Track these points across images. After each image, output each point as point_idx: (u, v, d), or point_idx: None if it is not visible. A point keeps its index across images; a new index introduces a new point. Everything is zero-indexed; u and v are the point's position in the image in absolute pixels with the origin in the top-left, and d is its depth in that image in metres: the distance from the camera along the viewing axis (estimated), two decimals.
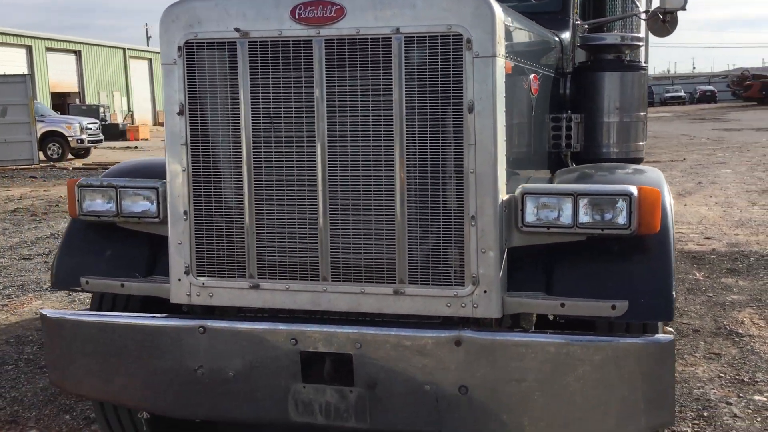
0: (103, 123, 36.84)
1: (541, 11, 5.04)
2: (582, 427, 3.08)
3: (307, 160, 3.22)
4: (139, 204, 3.53)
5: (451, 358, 3.12)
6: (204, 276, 3.39)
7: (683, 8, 5.27)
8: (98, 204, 3.59)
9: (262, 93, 3.22)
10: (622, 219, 3.08)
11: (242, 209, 3.30)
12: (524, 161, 3.87)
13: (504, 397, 3.11)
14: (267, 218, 3.29)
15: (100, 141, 30.46)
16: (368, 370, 3.20)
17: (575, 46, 5.18)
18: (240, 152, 3.27)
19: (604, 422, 3.06)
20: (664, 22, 5.36)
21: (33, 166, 24.94)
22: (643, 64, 4.96)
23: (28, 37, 49.57)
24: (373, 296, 3.24)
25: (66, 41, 54.69)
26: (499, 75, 3.10)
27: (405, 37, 3.07)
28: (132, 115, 56.90)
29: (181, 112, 3.31)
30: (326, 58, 3.14)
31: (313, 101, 3.17)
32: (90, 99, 53.27)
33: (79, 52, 55.27)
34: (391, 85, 3.10)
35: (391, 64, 3.09)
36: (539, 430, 3.11)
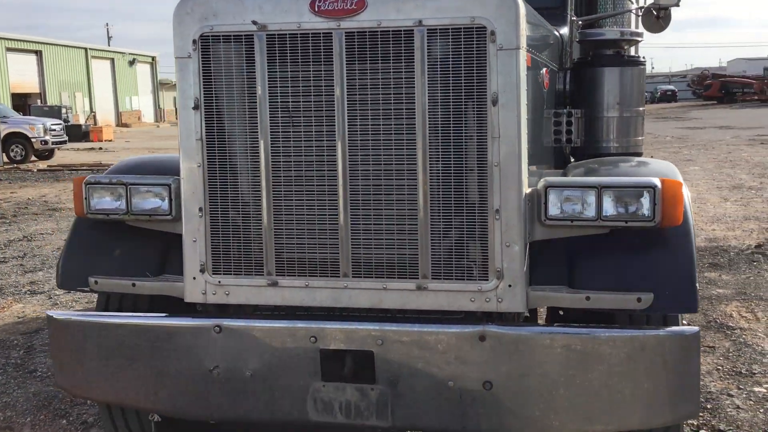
0: (66, 124, 36.21)
1: (541, 6, 5.03)
2: (607, 420, 3.07)
3: (327, 155, 3.17)
4: (150, 201, 3.45)
5: (476, 353, 3.09)
6: (220, 274, 3.32)
7: (677, 5, 5.32)
8: (107, 202, 3.49)
9: (280, 87, 3.17)
10: (646, 211, 3.07)
11: (260, 205, 3.24)
12: (537, 156, 3.86)
13: (529, 392, 3.09)
14: (285, 214, 3.24)
15: (64, 142, 29.96)
16: (390, 367, 3.16)
17: (573, 41, 5.20)
18: (257, 147, 3.21)
19: (630, 416, 3.06)
20: (658, 18, 5.41)
21: None
22: (642, 60, 4.98)
23: None
24: (395, 292, 3.20)
25: (26, 41, 53.75)
26: (522, 67, 3.08)
27: (428, 30, 3.04)
28: (94, 116, 56.10)
29: (196, 107, 3.24)
30: (347, 52, 3.09)
31: (333, 95, 3.12)
32: (51, 100, 52.41)
33: (40, 52, 54.36)
34: (413, 78, 3.06)
35: (413, 57, 3.05)
36: (564, 424, 3.10)
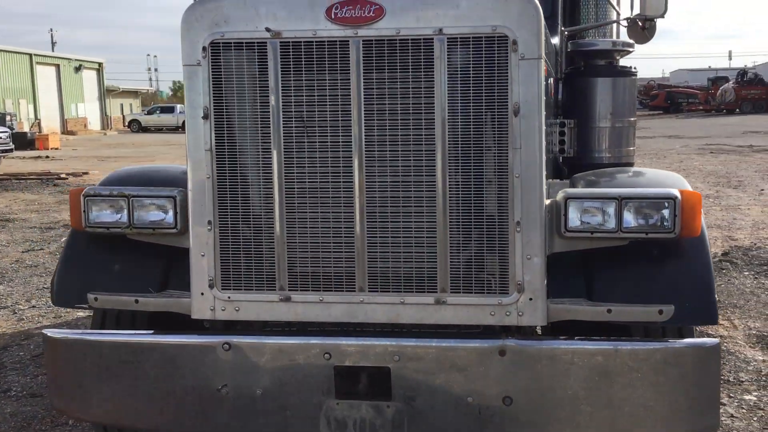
0: (11, 132, 35.27)
1: None
2: None
3: (343, 166, 3.08)
4: (153, 214, 3.31)
5: (495, 368, 3.04)
6: (230, 289, 3.21)
7: (662, 16, 5.36)
8: (107, 215, 3.35)
9: (294, 96, 3.07)
10: (666, 223, 3.06)
11: (272, 218, 3.14)
12: (547, 167, 3.82)
13: (550, 406, 3.04)
14: (299, 227, 3.14)
15: (10, 150, 29.17)
16: (407, 384, 3.09)
17: (563, 51, 5.20)
18: (270, 158, 3.10)
19: (652, 429, 3.03)
20: (643, 29, 5.43)
21: None
22: (633, 70, 5.00)
23: None
24: (413, 306, 3.13)
25: None
26: (542, 77, 3.05)
27: (448, 39, 2.98)
28: (39, 123, 54.78)
29: (205, 116, 3.12)
30: (364, 60, 3.01)
31: (349, 104, 3.04)
32: None
33: None
34: (433, 87, 2.99)
35: (433, 66, 2.99)
36: None
